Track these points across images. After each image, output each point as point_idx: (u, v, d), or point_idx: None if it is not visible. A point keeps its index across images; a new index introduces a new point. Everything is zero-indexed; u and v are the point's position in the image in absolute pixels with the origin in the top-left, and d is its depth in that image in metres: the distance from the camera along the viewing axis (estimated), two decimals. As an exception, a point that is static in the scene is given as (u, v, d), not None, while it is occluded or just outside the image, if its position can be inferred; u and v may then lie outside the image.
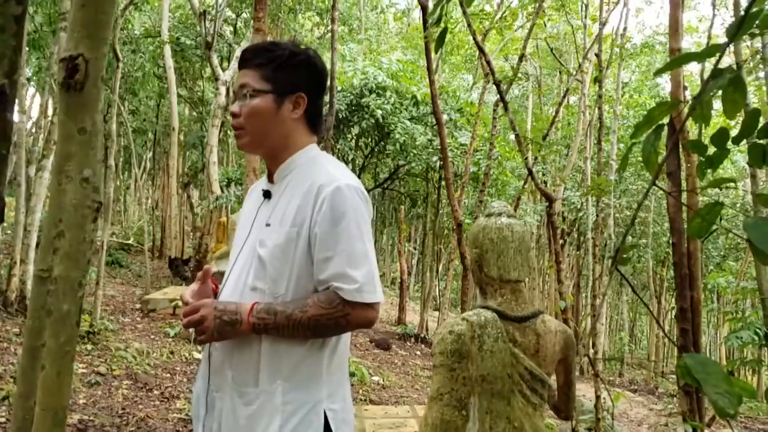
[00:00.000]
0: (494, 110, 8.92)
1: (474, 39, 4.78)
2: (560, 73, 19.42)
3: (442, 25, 2.48)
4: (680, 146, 3.01)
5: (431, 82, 7.95)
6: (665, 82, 21.01)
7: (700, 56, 1.37)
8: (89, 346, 5.97)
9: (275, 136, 1.77)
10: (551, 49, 15.73)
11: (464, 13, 4.78)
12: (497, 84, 4.68)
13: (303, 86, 1.77)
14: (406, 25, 22.21)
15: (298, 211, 1.67)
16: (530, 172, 4.43)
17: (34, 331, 1.41)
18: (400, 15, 21.98)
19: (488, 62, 4.85)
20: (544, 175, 15.11)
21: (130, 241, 14.54)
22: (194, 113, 17.39)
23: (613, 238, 13.35)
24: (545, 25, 13.12)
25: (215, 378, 1.73)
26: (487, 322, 2.53)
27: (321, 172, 1.72)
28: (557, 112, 10.00)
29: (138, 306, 8.83)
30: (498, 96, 7.69)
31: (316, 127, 1.85)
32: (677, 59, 1.30)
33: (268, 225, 1.72)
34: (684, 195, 3.24)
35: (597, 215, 7.34)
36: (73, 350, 1.24)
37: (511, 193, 13.44)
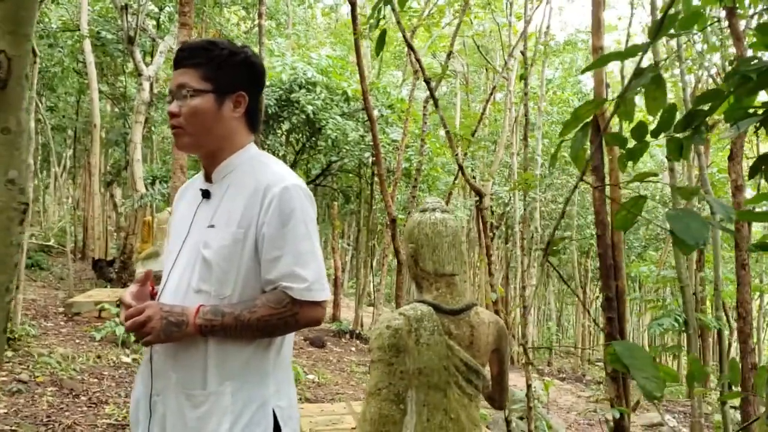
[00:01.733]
0: (424, 107, 9.02)
1: (404, 37, 4.82)
2: (486, 70, 19.84)
3: (380, 27, 2.49)
4: (604, 142, 3.14)
5: (362, 79, 7.96)
6: (587, 79, 21.78)
7: (622, 56, 1.43)
8: (9, 353, 5.69)
9: (216, 135, 1.74)
10: (478, 47, 16.02)
11: (393, 11, 4.80)
12: (427, 81, 4.74)
13: (243, 85, 1.75)
14: (334, 20, 22.13)
15: (244, 212, 1.66)
16: (461, 168, 4.51)
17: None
18: (328, 10, 21.89)
19: (418, 60, 4.90)
20: (473, 170, 15.39)
21: (50, 243, 13.93)
22: (116, 109, 16.79)
23: (539, 230, 13.75)
24: (471, 23, 13.33)
25: (157, 382, 1.70)
26: (423, 315, 2.56)
27: (266, 172, 1.71)
28: (484, 109, 10.22)
29: (61, 310, 8.47)
30: (428, 93, 7.79)
31: (254, 125, 1.84)
32: (601, 58, 1.36)
33: (212, 226, 1.70)
34: (608, 189, 3.38)
35: (524, 209, 7.55)
36: (2, 358, 1.19)
37: (441, 188, 13.63)
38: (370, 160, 11.93)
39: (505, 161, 15.30)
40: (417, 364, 2.52)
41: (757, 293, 15.05)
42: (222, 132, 1.75)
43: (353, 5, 7.62)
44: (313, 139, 12.56)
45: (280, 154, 12.97)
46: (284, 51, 11.81)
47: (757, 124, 1.70)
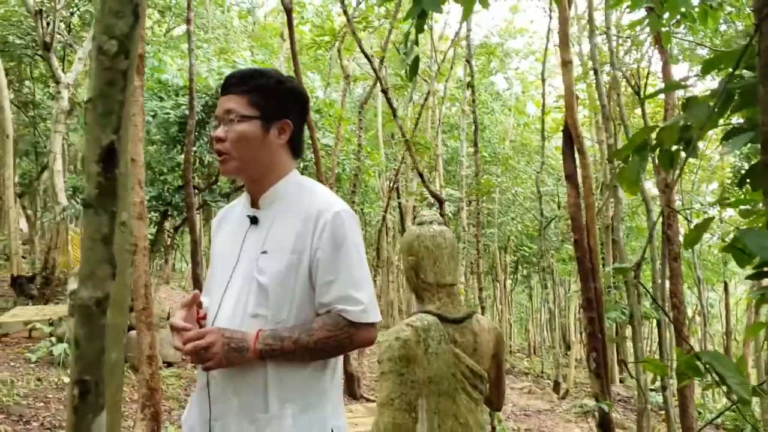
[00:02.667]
0: (360, 112, 9.08)
1: (360, 47, 4.89)
2: (404, 70, 20.11)
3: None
4: (576, 151, 3.34)
5: (298, 78, 7.93)
6: (501, 81, 22.50)
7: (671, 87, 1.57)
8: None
9: (261, 161, 1.77)
10: (397, 50, 16.26)
11: (348, 21, 4.87)
12: (385, 92, 4.82)
13: (288, 113, 1.79)
14: (251, 23, 21.80)
15: (297, 238, 1.70)
16: (421, 176, 4.63)
17: None
18: (245, 13, 21.55)
19: (374, 69, 4.98)
20: (403, 173, 15.58)
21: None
22: (25, 118, 15.89)
23: (467, 229, 14.11)
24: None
25: (216, 407, 1.71)
26: (430, 325, 2.65)
27: (315, 198, 1.76)
28: (420, 114, 10.40)
29: (-14, 332, 7.98)
30: (345, 95, 7.83)
31: (298, 152, 1.88)
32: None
33: (264, 252, 1.72)
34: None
35: (478, 214, 7.80)
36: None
37: (371, 197, 13.74)
38: (301, 164, 11.88)
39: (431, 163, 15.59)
40: (427, 373, 2.61)
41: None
42: (267, 158, 1.78)
43: (289, 12, 7.59)
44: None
45: (206, 162, 12.70)
46: (210, 56, 11.55)
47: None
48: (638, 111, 11.72)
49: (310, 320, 1.70)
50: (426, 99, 10.31)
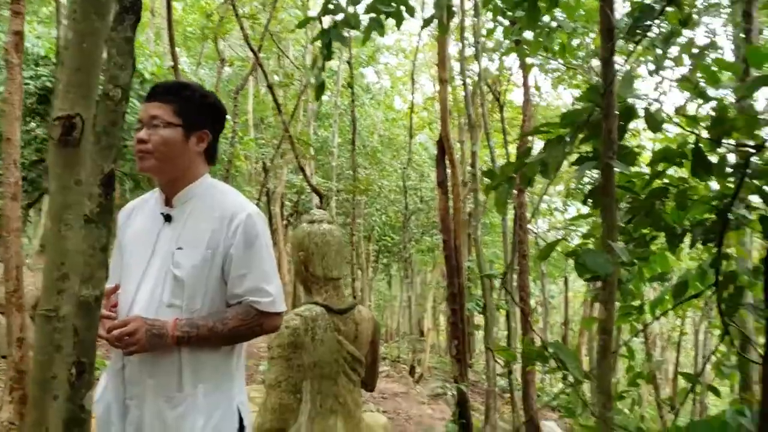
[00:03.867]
0: (234, 98, 9.10)
1: (248, 44, 5.02)
2: (279, 57, 20.05)
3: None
4: (447, 161, 3.75)
5: (175, 65, 7.85)
6: (371, 74, 23.02)
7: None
8: None
9: (178, 165, 1.96)
10: (271, 35, 16.19)
11: (236, 16, 4.99)
12: (270, 87, 5.00)
13: (208, 125, 1.99)
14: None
15: (212, 236, 1.90)
16: (303, 171, 4.86)
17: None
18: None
19: (260, 65, 5.13)
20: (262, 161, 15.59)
21: None
22: None
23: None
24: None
25: (131, 387, 1.88)
26: (317, 315, 2.93)
27: (229, 201, 1.98)
28: (296, 107, 10.55)
29: None
30: (239, 85, 7.93)
31: (212, 159, 2.08)
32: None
33: (180, 248, 1.91)
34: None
35: (353, 208, 8.13)
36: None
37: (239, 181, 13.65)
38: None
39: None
40: (312, 358, 2.89)
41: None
42: (184, 162, 1.97)
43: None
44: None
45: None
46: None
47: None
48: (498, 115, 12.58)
49: (222, 310, 1.92)
50: (303, 91, 10.48)
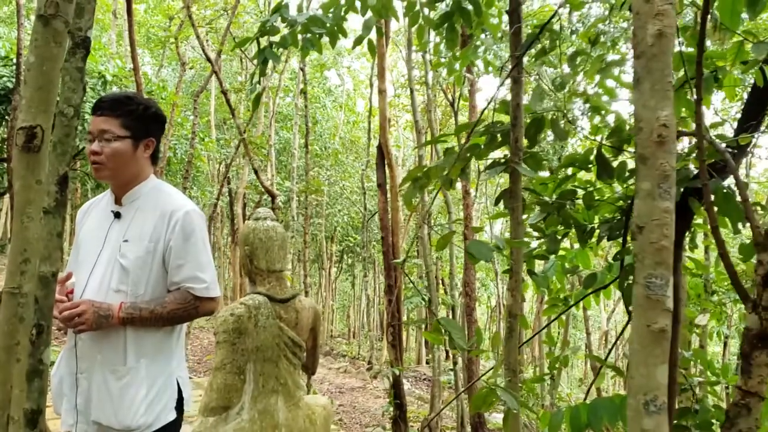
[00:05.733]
0: (195, 100, 9.28)
1: (203, 48, 5.25)
2: (241, 59, 20.19)
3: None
4: (387, 165, 4.06)
5: (135, 67, 8.01)
6: (334, 76, 23.28)
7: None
8: None
9: (129, 171, 2.23)
10: (234, 39, 16.36)
11: (193, 25, 5.22)
12: (224, 93, 5.25)
13: (153, 133, 2.27)
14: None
15: (153, 230, 2.18)
16: (256, 173, 5.12)
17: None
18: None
19: (215, 72, 5.36)
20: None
21: None
22: None
23: (296, 218, 14.69)
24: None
25: (82, 362, 2.14)
26: (260, 304, 3.21)
27: (170, 200, 2.26)
28: (254, 107, 10.72)
29: None
30: (200, 88, 8.14)
31: (156, 160, 2.36)
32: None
33: (126, 241, 2.18)
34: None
35: (306, 207, 8.41)
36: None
37: (200, 180, 13.79)
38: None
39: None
40: (255, 342, 3.17)
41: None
42: (134, 169, 2.25)
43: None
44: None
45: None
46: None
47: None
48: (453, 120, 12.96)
49: (164, 295, 2.20)
50: (261, 94, 10.67)
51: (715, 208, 2.66)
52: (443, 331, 1.92)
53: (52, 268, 1.33)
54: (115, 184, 2.28)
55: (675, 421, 2.86)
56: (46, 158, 1.72)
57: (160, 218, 2.19)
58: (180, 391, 2.26)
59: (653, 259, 1.24)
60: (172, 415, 2.21)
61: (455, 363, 6.13)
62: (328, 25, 2.80)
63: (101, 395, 2.12)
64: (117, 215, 2.26)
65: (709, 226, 2.25)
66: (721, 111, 10.12)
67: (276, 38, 2.77)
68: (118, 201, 2.28)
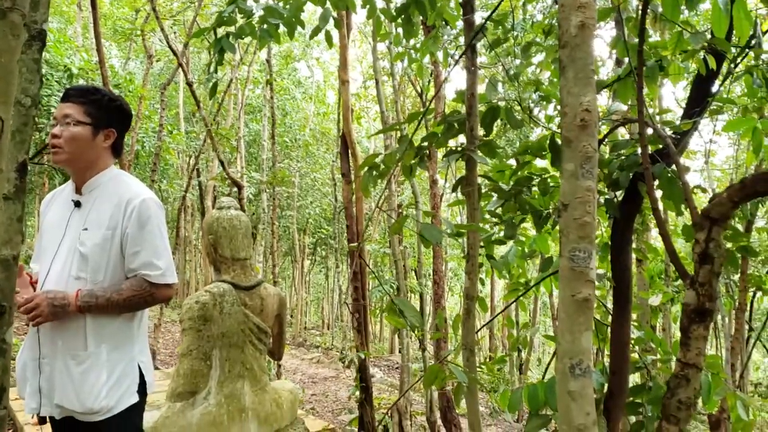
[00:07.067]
0: (162, 93, 9.25)
1: (167, 42, 5.26)
2: (209, 52, 19.99)
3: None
4: (350, 153, 4.13)
5: (101, 60, 7.94)
6: (304, 68, 23.23)
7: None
8: None
9: (87, 158, 2.28)
10: (201, 28, 16.19)
11: (157, 18, 5.22)
12: (190, 85, 5.26)
13: (114, 124, 2.31)
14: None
15: (111, 218, 2.23)
16: (222, 164, 5.16)
17: None
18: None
19: (180, 65, 5.38)
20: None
21: None
22: None
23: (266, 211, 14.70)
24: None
25: (44, 348, 2.19)
26: (225, 291, 3.28)
27: (127, 189, 2.31)
28: (222, 99, 10.74)
29: None
30: (167, 80, 8.12)
31: (118, 153, 2.40)
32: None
33: (85, 229, 2.23)
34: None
35: (273, 199, 8.43)
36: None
37: (170, 173, 13.71)
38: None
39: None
40: (221, 329, 3.24)
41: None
42: (92, 156, 2.29)
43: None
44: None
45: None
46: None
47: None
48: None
49: (122, 281, 2.26)
50: (229, 86, 10.67)
51: (661, 192, 2.79)
52: (397, 310, 2.02)
53: (13, 252, 1.39)
54: (72, 171, 2.32)
55: (630, 399, 3.00)
56: (7, 147, 1.78)
57: (117, 206, 2.24)
58: (142, 375, 2.32)
59: (577, 234, 1.34)
60: (135, 399, 2.27)
61: (424, 350, 6.25)
62: (285, 15, 2.86)
63: (63, 380, 2.17)
64: (77, 204, 2.30)
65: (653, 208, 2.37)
66: (683, 100, 10.36)
67: (233, 29, 2.82)
68: (78, 190, 2.33)
